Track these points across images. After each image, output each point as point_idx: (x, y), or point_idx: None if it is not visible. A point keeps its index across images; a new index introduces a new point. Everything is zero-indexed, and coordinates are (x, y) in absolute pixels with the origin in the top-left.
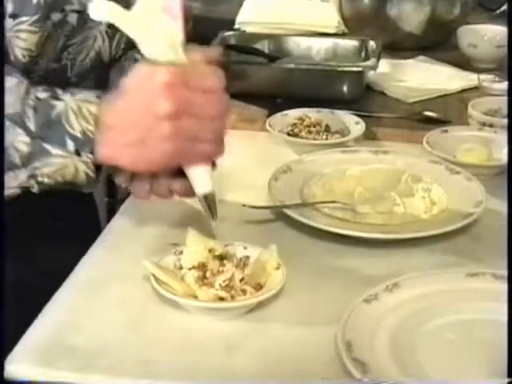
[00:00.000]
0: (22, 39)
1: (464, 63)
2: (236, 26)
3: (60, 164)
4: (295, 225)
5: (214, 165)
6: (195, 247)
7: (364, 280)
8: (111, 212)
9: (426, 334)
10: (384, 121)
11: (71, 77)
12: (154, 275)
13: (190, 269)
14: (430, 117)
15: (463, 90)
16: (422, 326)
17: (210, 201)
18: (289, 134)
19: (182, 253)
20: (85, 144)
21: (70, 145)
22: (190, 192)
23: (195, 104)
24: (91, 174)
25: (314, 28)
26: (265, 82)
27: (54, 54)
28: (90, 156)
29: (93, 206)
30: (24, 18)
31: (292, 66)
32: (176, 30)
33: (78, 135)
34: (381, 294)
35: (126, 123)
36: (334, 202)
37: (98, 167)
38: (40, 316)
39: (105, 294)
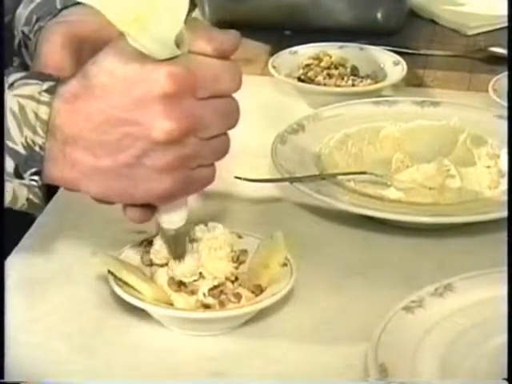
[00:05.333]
0: None
1: None
2: None
3: None
4: (309, 205)
5: None
6: None
7: (404, 280)
8: None
9: (490, 354)
10: (434, 60)
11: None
12: (112, 274)
13: (162, 265)
14: (497, 54)
15: None
16: (483, 343)
17: (179, 238)
18: (300, 80)
19: (151, 243)
20: (29, 163)
21: (9, 163)
22: (146, 219)
23: (204, 118)
24: (36, 201)
25: None
26: (267, 6)
27: None
28: (36, 178)
29: None
30: None
31: None
32: (179, 9)
33: (21, 150)
34: (428, 299)
35: (97, 139)
36: (363, 172)
37: (47, 188)
38: None
39: (44, 301)
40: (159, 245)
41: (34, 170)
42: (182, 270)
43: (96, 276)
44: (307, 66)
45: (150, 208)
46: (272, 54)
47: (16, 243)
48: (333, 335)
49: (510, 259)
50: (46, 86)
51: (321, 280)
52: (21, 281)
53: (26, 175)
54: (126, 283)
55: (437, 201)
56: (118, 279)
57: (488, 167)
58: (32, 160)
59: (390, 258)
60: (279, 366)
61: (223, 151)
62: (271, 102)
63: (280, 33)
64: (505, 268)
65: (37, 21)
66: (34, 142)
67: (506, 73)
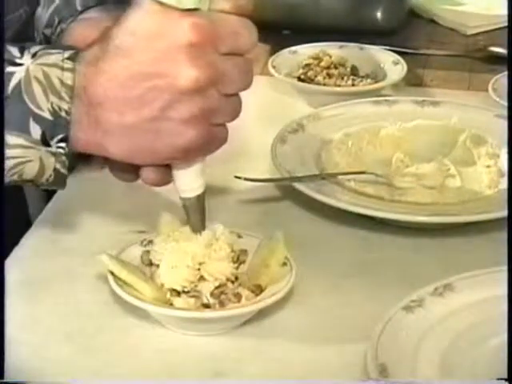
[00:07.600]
0: None
1: None
2: None
3: (19, 158)
4: (309, 204)
5: None
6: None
7: (404, 280)
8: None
9: (490, 354)
10: (434, 60)
11: None
12: (112, 273)
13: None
14: (497, 54)
15: None
16: (483, 343)
17: (199, 205)
18: (300, 79)
19: (151, 243)
20: (56, 129)
21: (35, 130)
22: (161, 182)
23: (224, 72)
24: (62, 171)
25: None
26: (266, 6)
27: None
28: (63, 145)
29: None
30: None
31: None
32: None
33: (47, 116)
34: (427, 298)
35: (122, 96)
36: (363, 172)
37: (73, 159)
38: None
39: (44, 301)
40: (159, 244)
41: (60, 136)
42: (175, 278)
43: (96, 276)
44: (307, 65)
45: (165, 170)
46: (272, 53)
47: (16, 243)
48: (333, 335)
49: (510, 259)
50: (67, 54)
51: (321, 280)
52: (21, 281)
53: (53, 142)
54: (125, 283)
55: (436, 200)
56: (117, 279)
57: (488, 167)
58: (58, 126)
59: (390, 258)
60: (279, 366)
61: (237, 111)
62: (271, 102)
63: (279, 32)
64: (505, 268)
65: (59, 23)
66: (59, 107)
67: (505, 72)
